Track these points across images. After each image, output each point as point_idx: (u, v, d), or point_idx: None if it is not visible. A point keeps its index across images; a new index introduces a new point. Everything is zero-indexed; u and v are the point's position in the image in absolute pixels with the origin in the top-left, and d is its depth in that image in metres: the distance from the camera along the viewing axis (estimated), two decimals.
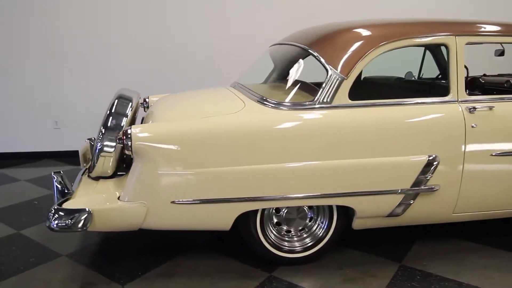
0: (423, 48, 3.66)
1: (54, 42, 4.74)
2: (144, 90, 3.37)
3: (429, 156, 2.35)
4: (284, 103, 2.34)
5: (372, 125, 2.33)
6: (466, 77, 3.47)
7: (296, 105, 2.32)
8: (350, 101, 2.34)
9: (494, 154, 2.43)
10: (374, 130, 2.33)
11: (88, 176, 2.53)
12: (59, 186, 2.42)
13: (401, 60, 3.64)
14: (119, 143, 2.15)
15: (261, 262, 2.45)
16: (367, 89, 3.43)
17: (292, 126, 2.28)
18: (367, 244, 2.70)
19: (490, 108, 2.44)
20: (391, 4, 4.87)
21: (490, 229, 2.90)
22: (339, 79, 2.32)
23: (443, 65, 3.66)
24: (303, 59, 2.63)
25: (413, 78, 3.70)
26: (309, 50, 2.47)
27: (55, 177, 2.46)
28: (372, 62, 3.59)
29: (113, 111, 2.52)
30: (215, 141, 2.19)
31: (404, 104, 2.41)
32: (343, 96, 2.33)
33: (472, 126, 2.39)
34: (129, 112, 2.54)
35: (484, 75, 3.52)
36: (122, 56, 4.77)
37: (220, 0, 4.72)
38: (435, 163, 2.37)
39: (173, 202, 2.18)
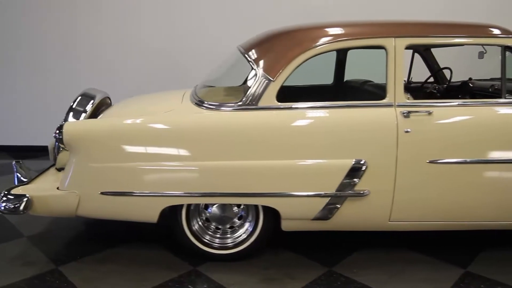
0: (411, 51, 3.55)
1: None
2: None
3: (356, 161, 2.31)
4: (212, 104, 2.42)
5: (296, 127, 2.35)
6: (451, 81, 3.34)
7: (222, 106, 2.40)
8: (277, 103, 2.37)
9: (430, 161, 2.32)
10: (298, 132, 2.34)
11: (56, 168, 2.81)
12: (19, 174, 2.72)
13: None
14: (54, 136, 2.38)
15: (193, 257, 2.53)
16: (308, 92, 3.41)
17: (216, 126, 2.35)
18: (309, 247, 2.68)
19: (429, 113, 2.33)
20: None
21: (449, 242, 2.75)
22: (266, 81, 2.36)
23: (433, 68, 3.52)
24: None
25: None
26: (245, 54, 2.53)
27: (16, 166, 2.76)
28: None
29: (73, 107, 2.76)
30: (139, 138, 2.34)
31: (334, 107, 2.38)
32: (270, 98, 2.36)
33: (406, 131, 2.30)
34: (88, 108, 2.76)
35: (470, 79, 3.32)
36: (122, 57, 5.09)
37: (220, 1, 4.89)
38: (363, 168, 2.31)
39: (102, 193, 2.36)
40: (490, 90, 2.95)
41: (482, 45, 2.64)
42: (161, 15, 4.96)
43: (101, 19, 5.01)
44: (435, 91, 3.29)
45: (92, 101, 2.79)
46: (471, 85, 3.18)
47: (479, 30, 2.46)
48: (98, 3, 5.01)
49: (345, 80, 3.59)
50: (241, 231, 2.53)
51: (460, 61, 3.63)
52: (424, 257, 2.58)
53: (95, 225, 3.07)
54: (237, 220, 2.55)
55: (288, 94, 2.85)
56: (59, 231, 2.96)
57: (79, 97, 2.80)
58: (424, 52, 3.49)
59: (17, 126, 5.22)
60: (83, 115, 2.70)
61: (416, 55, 3.52)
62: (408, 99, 2.43)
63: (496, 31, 2.43)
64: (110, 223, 2.77)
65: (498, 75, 2.71)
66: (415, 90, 3.48)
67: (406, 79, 3.60)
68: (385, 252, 2.64)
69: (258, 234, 2.48)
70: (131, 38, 5.03)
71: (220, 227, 2.55)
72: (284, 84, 3.49)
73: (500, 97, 2.41)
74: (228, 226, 2.55)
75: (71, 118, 2.65)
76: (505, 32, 2.43)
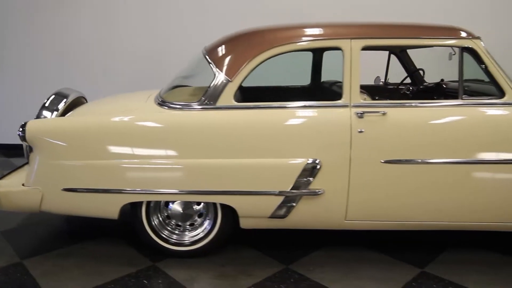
0: (387, 52, 3.58)
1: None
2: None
3: (309, 160, 2.34)
4: (172, 104, 2.48)
5: (252, 127, 2.39)
6: (426, 82, 3.35)
7: (183, 106, 2.46)
8: (234, 103, 2.42)
9: (384, 161, 2.34)
10: (254, 131, 2.38)
11: None
12: None
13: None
14: (18, 134, 2.46)
15: (155, 253, 2.58)
16: (283, 93, 3.45)
17: (173, 125, 2.41)
18: (271, 245, 2.72)
19: (383, 113, 2.35)
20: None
21: (413, 242, 2.76)
22: (224, 82, 2.41)
23: (409, 69, 3.53)
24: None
25: (380, 83, 3.61)
26: (205, 56, 2.59)
27: None
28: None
29: (46, 105, 2.85)
30: (99, 136, 2.41)
31: (290, 107, 2.42)
32: (227, 98, 2.41)
33: (359, 131, 2.33)
34: (61, 107, 2.84)
35: (442, 80, 3.32)
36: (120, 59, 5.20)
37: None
38: (317, 167, 2.34)
39: (64, 189, 2.43)
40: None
41: (440, 46, 2.65)
42: (147, 16, 5.06)
43: (92, 20, 5.14)
44: (408, 92, 3.31)
45: (64, 100, 2.87)
46: (444, 86, 3.20)
47: (437, 31, 2.48)
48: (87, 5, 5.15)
49: (322, 80, 3.64)
50: (200, 229, 2.58)
51: (436, 63, 3.65)
52: (383, 257, 2.60)
53: (68, 221, 3.16)
54: (197, 218, 2.60)
55: (262, 95, 2.90)
56: (33, 226, 3.05)
57: (52, 96, 2.89)
58: (400, 53, 3.51)
59: (8, 124, 5.37)
60: (55, 113, 2.78)
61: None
62: (365, 99, 2.46)
63: (454, 33, 2.45)
64: (82, 219, 2.87)
65: (473, 77, 2.74)
66: (391, 91, 3.51)
67: (383, 80, 3.63)
68: (344, 251, 2.66)
69: (216, 232, 2.53)
70: (118, 40, 5.14)
71: (180, 224, 2.61)
72: (261, 85, 3.64)
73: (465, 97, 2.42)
74: (188, 223, 2.60)
75: (43, 116, 2.75)
76: (462, 33, 2.44)
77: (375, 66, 3.56)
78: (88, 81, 5.01)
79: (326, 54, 3.55)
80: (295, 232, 2.72)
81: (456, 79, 3.40)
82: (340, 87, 3.00)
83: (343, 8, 4.79)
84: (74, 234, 2.96)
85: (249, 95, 3.19)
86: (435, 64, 3.52)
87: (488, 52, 2.43)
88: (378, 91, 3.41)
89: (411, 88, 3.32)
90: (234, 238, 2.70)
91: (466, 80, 3.38)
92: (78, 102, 3.07)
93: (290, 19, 3.23)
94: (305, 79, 3.76)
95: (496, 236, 2.76)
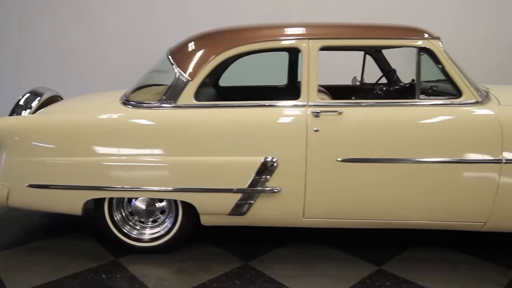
0: (363, 52, 3.60)
1: None
2: None
3: (266, 158, 2.38)
4: (135, 102, 2.54)
5: (211, 125, 2.44)
6: (399, 82, 3.37)
7: (144, 104, 2.51)
8: (195, 101, 2.46)
9: (340, 159, 2.37)
10: (213, 129, 2.43)
11: None
12: None
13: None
14: None
15: (120, 249, 2.63)
16: (245, 92, 3.48)
17: (134, 123, 2.47)
18: (235, 242, 2.76)
19: (339, 113, 2.38)
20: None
21: (377, 240, 2.79)
22: (185, 81, 2.46)
23: (385, 69, 3.55)
24: None
25: (357, 83, 3.64)
26: (168, 56, 2.64)
27: None
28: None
29: (20, 103, 2.91)
30: (62, 134, 2.48)
31: (250, 106, 2.46)
32: (188, 96, 2.46)
33: (315, 130, 2.36)
34: (34, 105, 2.90)
35: (413, 80, 3.34)
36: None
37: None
38: (273, 165, 2.38)
39: (29, 185, 2.50)
40: (430, 91, 2.98)
41: (397, 47, 2.67)
42: (139, 14, 5.14)
43: (82, 19, 5.23)
44: (380, 93, 3.34)
45: (38, 98, 2.94)
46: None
47: (395, 32, 2.50)
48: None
49: (298, 80, 3.67)
50: (162, 226, 2.62)
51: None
52: (343, 254, 2.63)
53: (45, 216, 3.22)
54: (160, 215, 2.65)
55: (239, 94, 2.93)
56: (6, 221, 3.13)
57: (27, 94, 2.96)
58: (375, 53, 3.53)
59: None
60: (28, 111, 2.86)
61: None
62: (323, 99, 2.49)
63: (411, 33, 2.47)
64: (59, 215, 2.92)
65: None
66: (367, 91, 3.53)
67: (359, 80, 3.66)
68: (307, 248, 2.70)
69: (178, 228, 2.58)
70: (110, 39, 5.22)
71: (143, 220, 2.66)
72: (237, 85, 3.68)
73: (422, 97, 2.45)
74: (151, 220, 2.66)
75: (15, 114, 2.82)
76: (420, 33, 2.46)
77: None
78: (81, 80, 5.11)
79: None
80: (262, 229, 2.76)
81: (430, 79, 3.44)
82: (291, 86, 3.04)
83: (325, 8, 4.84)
84: (48, 229, 3.04)
85: (226, 94, 3.25)
86: (411, 65, 3.57)
87: (446, 53, 2.45)
88: (355, 91, 3.45)
89: (384, 88, 3.36)
90: (201, 234, 2.77)
91: (439, 80, 3.41)
92: (53, 100, 3.14)
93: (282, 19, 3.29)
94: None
95: (460, 235, 2.77)
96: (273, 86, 3.75)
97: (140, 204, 2.62)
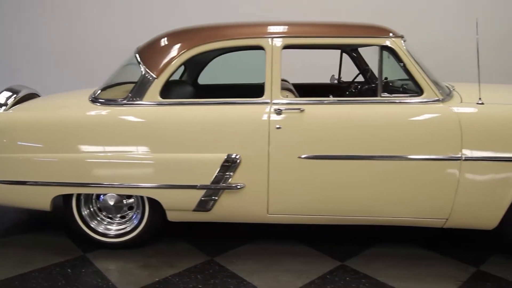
0: (339, 51, 3.63)
1: None
2: None
3: (229, 155, 2.41)
4: (103, 100, 2.58)
5: (175, 122, 2.47)
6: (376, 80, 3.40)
7: (111, 102, 2.56)
8: (160, 99, 2.50)
9: (301, 156, 2.40)
10: (177, 126, 2.47)
11: None
12: None
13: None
14: None
15: (90, 244, 2.67)
16: (224, 90, 3.51)
17: (99, 120, 2.51)
18: (205, 239, 2.80)
19: (301, 110, 2.41)
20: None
21: (344, 236, 2.83)
22: (151, 78, 2.50)
23: (361, 67, 3.58)
24: None
25: (335, 81, 3.68)
26: (135, 54, 2.68)
27: None
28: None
29: None
30: (30, 131, 2.53)
31: (214, 103, 2.50)
32: (153, 94, 2.50)
33: (277, 128, 2.40)
34: (9, 102, 2.93)
35: (386, 78, 3.37)
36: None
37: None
38: (236, 161, 2.42)
39: None
40: (401, 89, 3.01)
41: (360, 45, 2.70)
42: (130, 14, 5.16)
43: (74, 19, 5.27)
44: (354, 91, 3.37)
45: (14, 96, 2.99)
46: (391, 84, 3.24)
47: (358, 30, 2.54)
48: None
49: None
50: (129, 222, 2.67)
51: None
52: (309, 250, 2.67)
53: (22, 212, 3.26)
54: (128, 211, 2.69)
55: (218, 92, 2.96)
56: None
57: (3, 91, 3.00)
58: (352, 52, 3.56)
59: None
60: (3, 108, 2.90)
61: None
62: (287, 97, 2.52)
63: (374, 31, 2.50)
64: (35, 211, 2.97)
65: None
66: (344, 90, 3.57)
67: (337, 78, 3.69)
68: (275, 244, 2.74)
69: (145, 224, 2.62)
70: (101, 38, 5.25)
71: (111, 216, 2.70)
72: (215, 83, 3.71)
73: (384, 95, 2.47)
74: (119, 216, 2.70)
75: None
76: (383, 32, 2.49)
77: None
78: (76, 80, 5.14)
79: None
80: (232, 226, 2.78)
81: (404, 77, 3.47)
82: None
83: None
84: (23, 225, 3.08)
85: (206, 92, 3.28)
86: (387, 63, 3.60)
87: (408, 51, 2.48)
88: (333, 90, 3.48)
89: (358, 86, 3.39)
90: (173, 230, 2.82)
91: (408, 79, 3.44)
92: (30, 98, 3.18)
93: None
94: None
95: (428, 232, 2.80)
96: (254, 84, 3.78)
97: (109, 200, 2.66)
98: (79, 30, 5.27)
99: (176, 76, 3.67)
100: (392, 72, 2.91)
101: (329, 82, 3.72)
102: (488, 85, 3.07)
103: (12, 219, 3.19)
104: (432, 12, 4.78)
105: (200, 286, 2.26)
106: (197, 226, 2.87)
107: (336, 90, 3.52)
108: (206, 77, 3.80)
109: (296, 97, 2.69)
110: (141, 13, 5.14)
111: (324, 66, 3.74)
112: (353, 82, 3.52)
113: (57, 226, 2.97)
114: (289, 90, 2.73)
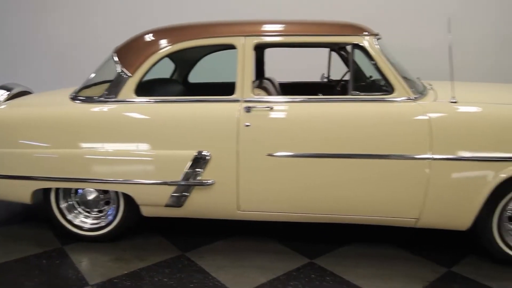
0: (328, 49, 3.62)
1: None
2: None
3: (199, 152, 2.45)
4: (81, 97, 2.67)
5: (148, 120, 2.53)
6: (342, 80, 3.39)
7: (89, 99, 2.63)
8: (135, 96, 2.56)
9: (270, 154, 2.42)
10: (149, 123, 2.53)
11: None
12: None
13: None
14: None
15: (70, 237, 2.76)
16: (211, 88, 3.54)
17: (76, 117, 2.59)
18: (180, 234, 2.84)
19: (270, 108, 2.43)
20: None
21: (316, 234, 2.83)
22: (125, 77, 2.56)
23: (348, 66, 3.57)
24: None
25: (325, 80, 3.68)
26: (112, 53, 2.74)
27: None
28: None
29: None
30: (11, 126, 2.63)
31: (187, 101, 2.55)
32: (128, 92, 2.56)
33: (246, 125, 2.42)
34: (1, 98, 3.07)
35: (371, 77, 3.33)
36: None
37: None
38: (206, 158, 2.45)
39: None
40: (379, 87, 2.99)
41: (332, 43, 2.69)
42: (130, 14, 5.26)
43: (76, 19, 5.41)
44: (339, 89, 3.36)
45: (8, 93, 3.11)
46: (377, 83, 3.22)
47: (330, 29, 2.53)
48: None
49: (265, 77, 3.73)
50: (105, 216, 2.74)
51: None
52: (280, 247, 2.68)
53: (8, 204, 3.35)
54: (105, 206, 2.77)
55: (206, 90, 3.01)
56: None
57: None
58: (340, 50, 3.54)
59: None
60: None
61: None
62: (259, 95, 2.54)
63: (346, 30, 2.50)
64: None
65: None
66: (332, 88, 3.56)
67: (327, 76, 3.69)
68: (246, 241, 2.76)
69: (120, 218, 2.68)
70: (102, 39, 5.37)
71: (88, 210, 2.78)
72: (203, 81, 3.76)
73: (354, 93, 2.46)
74: (96, 210, 2.77)
75: None
76: (354, 30, 2.48)
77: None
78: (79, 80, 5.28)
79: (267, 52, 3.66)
80: (210, 222, 2.82)
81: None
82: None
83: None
84: (7, 217, 3.19)
85: (196, 91, 3.31)
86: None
87: (381, 50, 2.46)
88: (323, 88, 3.48)
89: (344, 84, 3.38)
90: (152, 225, 2.88)
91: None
92: (22, 95, 3.30)
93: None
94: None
95: (404, 232, 2.77)
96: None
97: (86, 195, 2.74)
98: (80, 29, 5.41)
99: (167, 75, 3.77)
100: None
101: (319, 80, 3.73)
102: (468, 84, 3.03)
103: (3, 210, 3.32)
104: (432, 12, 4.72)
105: (165, 279, 2.31)
106: (176, 222, 2.91)
107: (325, 88, 3.51)
108: (201, 76, 3.86)
109: (272, 95, 2.70)
110: (142, 13, 5.23)
111: (323, 65, 3.76)
112: (341, 80, 3.51)
113: (42, 219, 3.08)
114: (263, 88, 2.75)
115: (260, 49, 3.58)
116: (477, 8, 4.58)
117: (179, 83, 3.56)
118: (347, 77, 3.60)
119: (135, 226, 2.78)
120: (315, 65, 4.10)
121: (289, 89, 3.28)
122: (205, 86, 3.68)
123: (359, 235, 2.81)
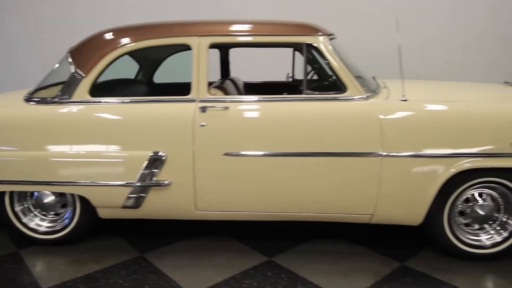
0: (292, 49, 3.65)
1: None
2: None
3: (154, 152, 2.45)
4: (35, 99, 2.62)
5: (102, 120, 2.51)
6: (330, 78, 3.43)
7: (42, 100, 2.59)
8: (89, 97, 2.54)
9: (225, 153, 2.43)
10: (103, 124, 2.51)
11: None
12: None
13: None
14: None
15: (26, 241, 2.71)
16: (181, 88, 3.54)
17: (29, 118, 2.55)
18: (139, 236, 2.83)
19: (225, 108, 2.44)
20: None
21: (280, 233, 2.85)
22: (79, 77, 2.54)
23: (312, 65, 3.61)
24: None
25: (290, 79, 3.71)
26: (67, 54, 2.71)
27: None
28: None
29: None
30: None
31: (141, 101, 2.54)
32: (82, 92, 2.53)
33: (201, 125, 2.43)
34: None
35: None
36: None
37: None
38: (162, 158, 2.45)
39: None
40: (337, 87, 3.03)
41: (285, 43, 2.73)
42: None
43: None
44: (301, 88, 3.39)
45: None
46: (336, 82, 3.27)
47: (284, 29, 2.57)
48: None
49: (230, 76, 3.74)
50: (61, 219, 2.71)
51: None
52: (240, 246, 2.70)
53: None
54: (61, 208, 2.72)
55: (171, 91, 3.00)
56: None
57: None
58: (301, 50, 3.57)
59: None
60: None
61: None
62: (215, 94, 2.55)
63: (299, 30, 2.53)
64: None
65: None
66: (297, 87, 3.60)
67: (291, 76, 3.72)
68: (205, 240, 2.77)
69: (77, 221, 2.65)
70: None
71: (44, 213, 2.74)
72: (168, 82, 3.74)
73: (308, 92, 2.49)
74: (52, 213, 2.73)
75: None
76: (308, 30, 2.52)
77: None
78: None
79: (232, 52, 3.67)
80: (171, 222, 2.81)
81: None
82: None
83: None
84: None
85: (161, 91, 3.30)
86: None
87: (334, 50, 2.50)
88: (288, 88, 3.50)
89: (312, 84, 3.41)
90: (111, 227, 2.85)
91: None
92: None
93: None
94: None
95: (364, 228, 2.83)
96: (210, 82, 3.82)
97: (42, 197, 2.70)
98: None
99: (131, 75, 3.74)
100: None
101: (284, 80, 3.76)
102: (422, 82, 3.11)
103: None
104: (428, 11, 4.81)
105: (120, 281, 2.30)
106: (137, 223, 2.90)
107: (291, 88, 3.54)
108: (170, 76, 3.84)
109: (231, 95, 2.71)
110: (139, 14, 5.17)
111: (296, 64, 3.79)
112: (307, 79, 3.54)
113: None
114: (222, 88, 2.76)
115: (224, 49, 3.60)
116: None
117: (143, 83, 3.54)
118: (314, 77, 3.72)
119: (92, 229, 2.75)
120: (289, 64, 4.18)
121: (254, 89, 3.30)
122: (169, 86, 3.66)
123: (318, 232, 2.86)
